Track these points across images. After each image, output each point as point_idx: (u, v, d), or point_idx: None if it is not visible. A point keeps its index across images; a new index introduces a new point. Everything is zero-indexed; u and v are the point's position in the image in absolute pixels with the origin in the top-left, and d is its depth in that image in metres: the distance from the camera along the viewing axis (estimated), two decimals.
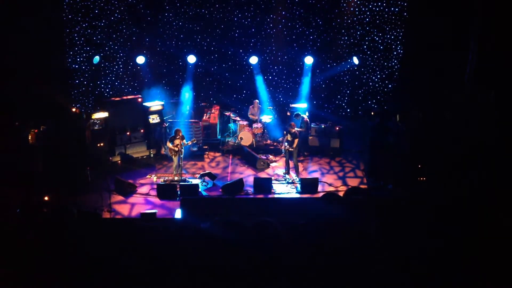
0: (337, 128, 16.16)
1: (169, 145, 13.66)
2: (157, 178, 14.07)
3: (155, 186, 13.28)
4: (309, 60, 17.59)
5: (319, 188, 13.39)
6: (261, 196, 13.03)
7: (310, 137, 15.99)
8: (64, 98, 15.58)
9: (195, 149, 15.71)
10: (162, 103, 16.52)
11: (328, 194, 12.23)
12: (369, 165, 14.04)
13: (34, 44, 14.55)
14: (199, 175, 14.09)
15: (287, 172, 14.33)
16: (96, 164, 13.72)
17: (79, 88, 17.38)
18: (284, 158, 14.65)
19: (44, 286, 7.17)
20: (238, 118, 17.00)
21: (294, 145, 13.87)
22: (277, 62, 18.30)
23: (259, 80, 18.16)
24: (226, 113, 17.41)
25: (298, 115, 15.57)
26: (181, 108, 17.04)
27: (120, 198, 12.95)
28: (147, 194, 13.17)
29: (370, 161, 14.02)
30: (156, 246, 7.95)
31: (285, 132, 14.32)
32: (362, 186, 13.63)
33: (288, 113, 16.91)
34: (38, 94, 14.38)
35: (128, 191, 13.17)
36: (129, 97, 16.41)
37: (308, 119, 15.63)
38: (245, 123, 16.75)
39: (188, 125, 16.09)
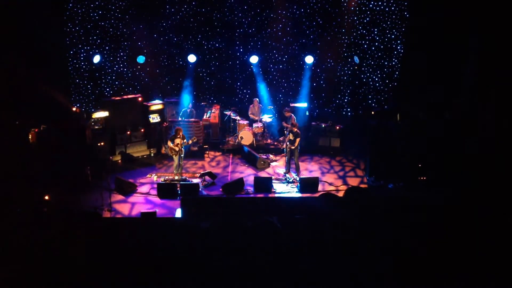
0: (338, 128, 16.18)
1: (170, 144, 13.66)
2: (157, 178, 14.07)
3: (155, 186, 13.28)
4: (309, 59, 17.60)
5: (320, 187, 13.39)
6: (261, 195, 13.04)
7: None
8: (64, 97, 15.59)
9: (195, 148, 15.71)
10: (162, 102, 16.53)
11: (325, 194, 12.28)
12: (370, 165, 14.03)
13: (35, 43, 14.56)
14: (199, 175, 14.09)
15: (288, 171, 14.33)
16: (96, 164, 13.72)
17: (80, 88, 17.39)
18: (285, 158, 14.64)
19: (45, 285, 7.17)
20: (238, 118, 17.01)
21: (296, 144, 13.87)
22: (277, 61, 18.30)
23: (260, 79, 18.16)
24: (226, 113, 17.42)
25: (287, 110, 15.74)
26: (181, 108, 17.05)
27: (120, 197, 12.96)
28: (148, 193, 13.17)
29: (371, 161, 14.02)
30: (156, 245, 7.95)
31: (288, 129, 14.36)
32: (362, 186, 13.64)
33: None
34: (39, 93, 14.39)
35: (128, 190, 13.18)
36: (130, 96, 16.43)
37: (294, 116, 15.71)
38: (245, 122, 16.76)
39: (189, 124, 16.09)
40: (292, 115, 15.72)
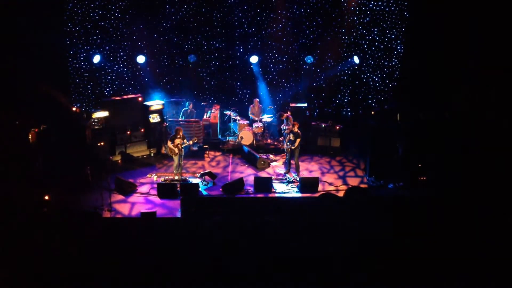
0: (338, 127, 16.18)
1: (170, 144, 13.66)
2: (157, 178, 14.07)
3: (155, 186, 13.28)
4: (309, 59, 17.60)
5: (320, 187, 13.39)
6: (261, 195, 13.03)
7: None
8: (64, 97, 15.59)
9: (195, 148, 15.71)
10: (162, 102, 16.54)
11: (325, 194, 12.29)
12: (370, 165, 14.04)
13: (35, 43, 14.56)
14: (199, 175, 14.09)
15: (288, 171, 14.33)
16: (96, 163, 13.72)
17: (80, 88, 17.40)
18: (285, 158, 14.64)
19: (45, 285, 7.18)
20: (238, 117, 17.01)
21: (296, 144, 13.87)
22: (277, 61, 18.30)
23: (260, 79, 18.17)
24: (226, 112, 17.42)
25: (281, 114, 15.71)
26: (181, 108, 17.05)
27: (120, 197, 12.95)
28: (147, 193, 13.17)
29: (371, 161, 14.02)
30: (156, 245, 7.96)
31: (288, 130, 14.36)
32: (362, 186, 13.63)
33: (289, 112, 16.92)
34: (39, 93, 14.40)
35: (128, 190, 13.17)
36: (130, 96, 16.42)
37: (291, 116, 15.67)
38: (245, 122, 16.77)
39: (189, 124, 16.10)
40: (290, 116, 15.67)
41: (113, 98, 16.32)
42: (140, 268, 7.33)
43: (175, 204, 12.36)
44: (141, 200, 12.86)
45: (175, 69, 18.16)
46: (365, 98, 18.32)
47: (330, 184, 13.80)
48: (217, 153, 16.27)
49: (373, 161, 13.92)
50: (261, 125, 16.59)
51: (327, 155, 15.98)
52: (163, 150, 15.87)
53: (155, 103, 16.32)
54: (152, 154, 15.87)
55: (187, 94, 17.66)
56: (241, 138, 16.18)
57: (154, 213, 11.30)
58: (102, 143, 14.79)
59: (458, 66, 14.72)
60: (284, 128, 15.52)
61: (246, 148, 15.72)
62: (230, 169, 15.00)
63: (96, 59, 16.86)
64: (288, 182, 13.83)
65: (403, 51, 17.35)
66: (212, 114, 17.09)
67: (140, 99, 16.04)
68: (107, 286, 7.19)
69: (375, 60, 17.86)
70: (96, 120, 15.23)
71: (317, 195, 12.91)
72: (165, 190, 12.95)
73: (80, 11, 16.64)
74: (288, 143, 14.07)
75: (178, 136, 13.61)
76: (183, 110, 16.86)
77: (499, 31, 13.36)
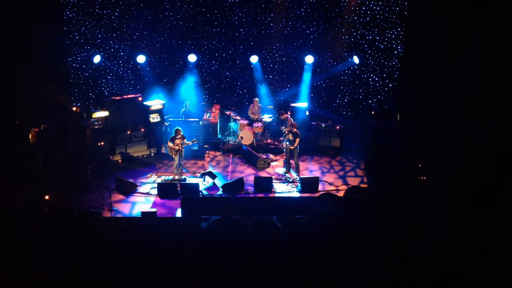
0: (338, 127, 16.18)
1: (170, 144, 13.67)
2: (157, 177, 14.07)
3: (155, 185, 13.28)
4: (309, 59, 17.61)
5: (320, 187, 13.39)
6: (261, 195, 13.04)
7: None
8: (64, 97, 15.59)
9: (195, 148, 15.72)
10: (163, 102, 16.53)
11: (325, 194, 12.27)
12: (370, 165, 14.03)
13: (35, 43, 14.56)
14: (199, 174, 14.09)
15: (288, 171, 14.34)
16: (96, 163, 13.73)
17: (80, 87, 17.40)
18: (285, 157, 14.65)
19: (44, 285, 7.17)
20: (238, 117, 17.01)
21: (296, 144, 13.88)
22: (277, 61, 18.31)
23: (260, 79, 18.17)
24: (226, 112, 17.43)
25: (281, 113, 15.68)
26: (181, 108, 17.06)
27: (121, 197, 12.96)
28: (148, 193, 13.17)
29: (371, 161, 14.02)
30: (156, 246, 7.95)
31: (286, 131, 14.36)
32: (362, 186, 13.63)
33: (289, 112, 16.93)
34: (39, 93, 14.40)
35: (129, 190, 13.18)
36: (130, 96, 16.42)
37: (290, 118, 15.65)
38: (245, 122, 16.77)
39: (189, 124, 16.10)
40: (289, 116, 15.67)
41: (113, 97, 16.32)
42: (140, 268, 7.32)
43: (175, 204, 12.36)
44: (142, 200, 12.87)
45: (175, 69, 18.17)
46: (365, 98, 18.32)
47: (330, 184, 13.81)
48: (217, 153, 16.28)
49: (373, 161, 13.92)
50: (261, 125, 16.59)
51: (327, 155, 15.99)
52: (163, 150, 15.88)
53: (155, 103, 16.32)
54: (152, 154, 15.87)
55: (187, 93, 17.66)
56: (241, 138, 16.18)
57: (154, 212, 11.31)
58: (102, 143, 14.79)
59: (458, 65, 14.71)
60: (284, 129, 15.53)
61: (246, 148, 15.72)
62: (230, 169, 15.00)
63: (96, 59, 16.86)
64: (288, 182, 13.83)
65: (403, 51, 17.35)
66: (212, 114, 17.09)
67: (140, 98, 16.04)
68: (107, 286, 7.18)
69: (375, 60, 17.86)
70: (96, 120, 15.23)
71: (317, 195, 12.91)
72: (165, 190, 12.96)
73: (81, 11, 16.64)
74: (287, 143, 14.08)
75: (178, 136, 13.62)
76: (183, 109, 16.86)
77: (499, 31, 13.35)
